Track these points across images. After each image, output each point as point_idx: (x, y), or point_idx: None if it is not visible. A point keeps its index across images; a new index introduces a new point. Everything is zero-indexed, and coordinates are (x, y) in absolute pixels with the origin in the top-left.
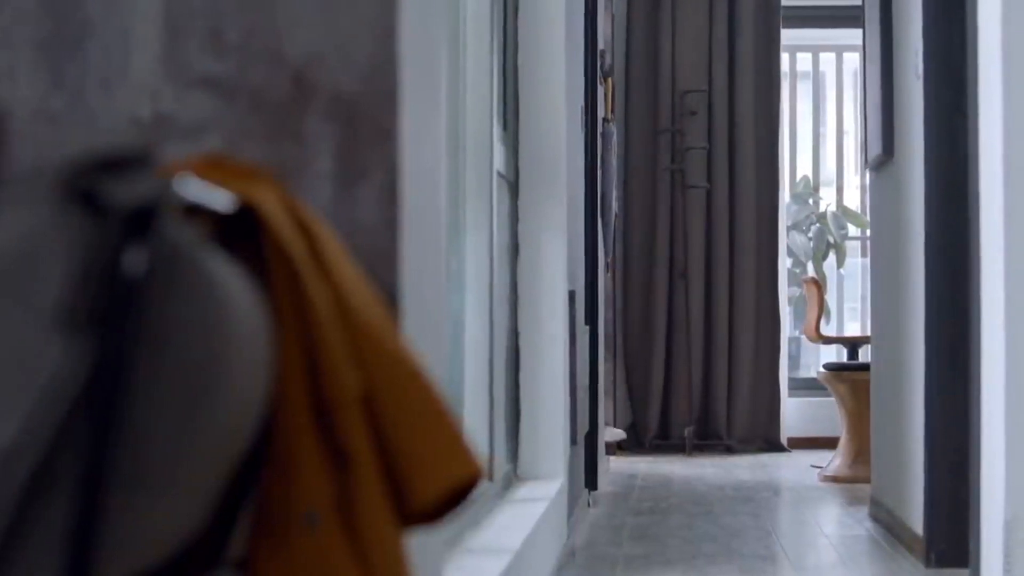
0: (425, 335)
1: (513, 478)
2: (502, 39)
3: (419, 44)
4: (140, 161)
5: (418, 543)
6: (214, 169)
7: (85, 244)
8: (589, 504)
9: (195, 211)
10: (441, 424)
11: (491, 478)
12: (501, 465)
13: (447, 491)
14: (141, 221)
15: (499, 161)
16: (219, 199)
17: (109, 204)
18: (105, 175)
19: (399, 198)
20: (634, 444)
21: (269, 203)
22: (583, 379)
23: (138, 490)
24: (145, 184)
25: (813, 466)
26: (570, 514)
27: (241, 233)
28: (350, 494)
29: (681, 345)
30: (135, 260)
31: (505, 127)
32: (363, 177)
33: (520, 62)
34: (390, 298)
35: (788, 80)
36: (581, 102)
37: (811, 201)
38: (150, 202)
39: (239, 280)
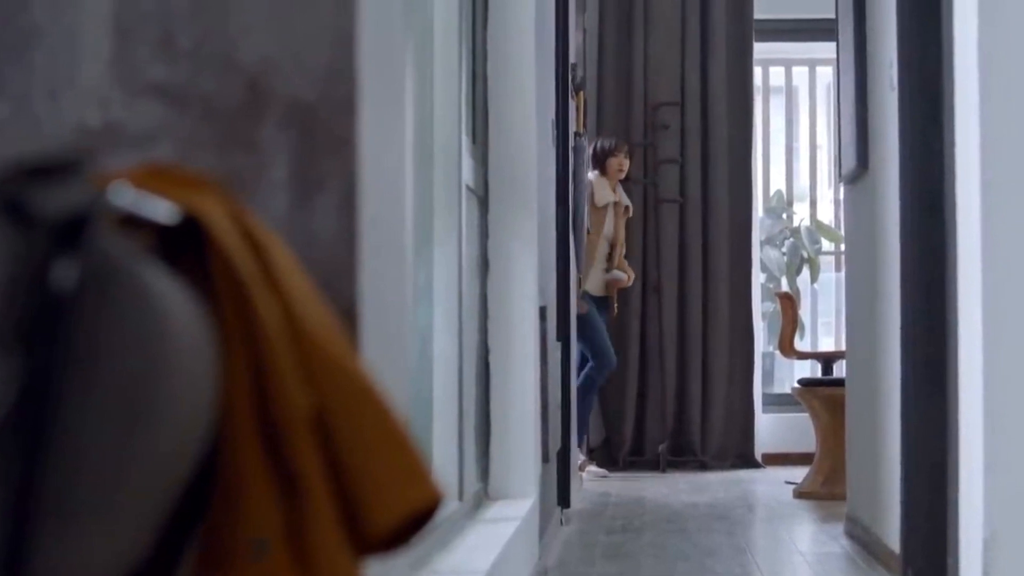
0: (387, 351)
1: (483, 497)
2: (471, 50)
3: (379, 50)
4: (72, 169)
5: (382, 566)
6: (156, 178)
7: (11, 256)
8: (562, 522)
9: (135, 222)
10: (398, 446)
11: (461, 497)
12: (471, 484)
13: (405, 517)
14: (71, 232)
15: (468, 175)
16: (159, 209)
17: (37, 214)
18: (34, 183)
19: (358, 209)
20: (607, 461)
21: (214, 213)
22: (555, 395)
23: (72, 518)
24: (76, 193)
25: (787, 482)
26: (542, 533)
27: (185, 245)
28: (301, 520)
29: (654, 361)
30: (65, 273)
31: (474, 140)
32: (320, 187)
33: (489, 73)
34: (348, 313)
35: (761, 94)
36: (552, 116)
37: (784, 215)
38: (81, 212)
39: (179, 293)
